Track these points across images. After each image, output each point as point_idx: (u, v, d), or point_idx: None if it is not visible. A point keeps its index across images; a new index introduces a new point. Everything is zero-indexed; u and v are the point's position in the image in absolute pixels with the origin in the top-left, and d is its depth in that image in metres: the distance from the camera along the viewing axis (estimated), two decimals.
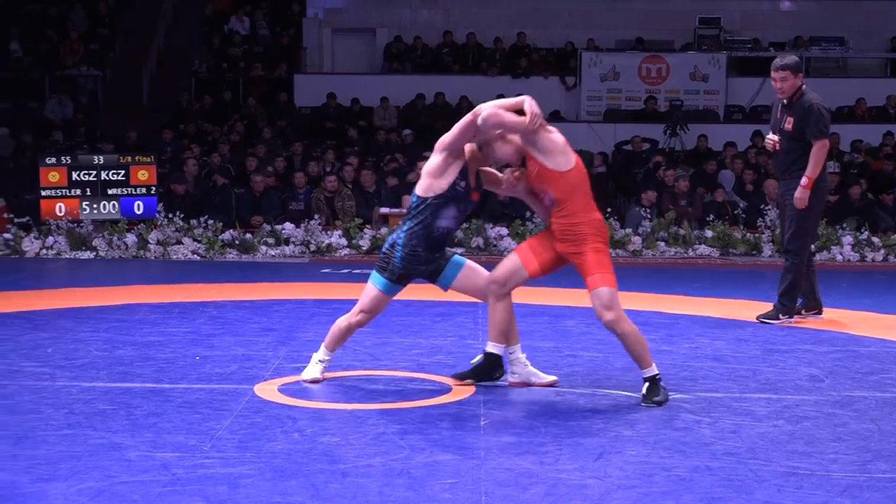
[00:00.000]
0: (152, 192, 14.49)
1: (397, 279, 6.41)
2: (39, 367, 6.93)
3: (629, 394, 6.43)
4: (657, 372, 6.28)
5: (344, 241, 13.95)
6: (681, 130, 20.11)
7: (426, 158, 16.26)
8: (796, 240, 8.92)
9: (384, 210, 14.78)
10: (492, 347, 6.51)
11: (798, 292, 9.04)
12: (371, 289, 6.46)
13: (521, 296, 9.48)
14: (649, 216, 14.48)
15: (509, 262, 6.47)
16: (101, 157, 14.70)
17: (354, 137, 19.95)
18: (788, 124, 8.91)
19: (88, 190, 14.32)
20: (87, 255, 13.66)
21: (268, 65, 22.61)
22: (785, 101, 8.99)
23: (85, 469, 4.82)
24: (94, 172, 14.34)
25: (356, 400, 6.19)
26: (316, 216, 14.49)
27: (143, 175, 14.46)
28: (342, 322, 6.56)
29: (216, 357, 7.32)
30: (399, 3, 24.41)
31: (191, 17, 24.19)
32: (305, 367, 6.69)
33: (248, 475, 4.76)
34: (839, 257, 13.85)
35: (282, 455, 5.08)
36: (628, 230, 14.32)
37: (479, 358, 6.58)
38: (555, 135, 6.29)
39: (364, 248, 13.79)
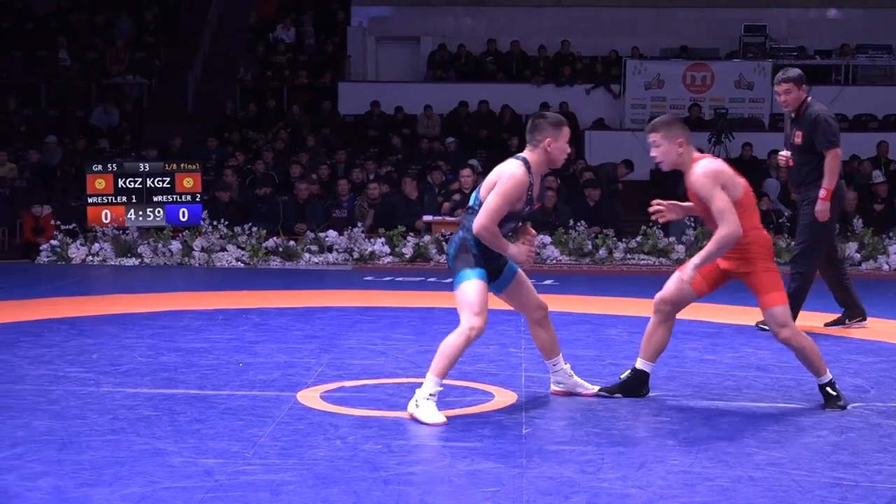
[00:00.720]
0: (197, 199, 14.57)
1: (483, 264, 6.08)
2: (84, 373, 6.98)
3: (672, 402, 6.40)
4: (831, 377, 6.37)
5: (387, 249, 13.97)
6: (725, 139, 20.00)
7: (471, 167, 16.22)
8: (807, 251, 8.85)
9: (427, 217, 14.79)
10: (642, 365, 6.49)
11: (802, 301, 8.91)
12: (467, 286, 6.00)
13: (565, 304, 9.51)
14: (693, 225, 14.41)
15: (677, 283, 6.36)
16: (147, 165, 14.83)
17: (398, 145, 19.99)
18: (798, 138, 8.87)
19: (134, 197, 14.43)
20: (132, 261, 13.77)
21: (312, 73, 22.71)
22: (793, 114, 8.95)
23: (128, 474, 4.85)
24: (140, 180, 14.45)
25: (398, 407, 6.18)
26: (359, 224, 14.53)
27: (188, 182, 14.55)
28: (450, 342, 5.99)
29: (259, 364, 7.35)
30: (443, 11, 24.44)
31: (236, 25, 24.34)
32: (417, 409, 5.94)
33: (290, 482, 4.77)
34: (885, 267, 13.73)
35: (324, 462, 5.08)
36: (672, 239, 14.26)
37: (627, 373, 6.54)
38: (729, 185, 6.22)
39: (407, 256, 13.81)
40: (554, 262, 13.80)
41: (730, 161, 19.35)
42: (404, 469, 4.99)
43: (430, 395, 5.90)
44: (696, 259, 6.17)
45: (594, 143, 20.29)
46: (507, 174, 6.00)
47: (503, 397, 6.45)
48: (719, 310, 9.87)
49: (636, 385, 6.50)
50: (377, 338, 8.44)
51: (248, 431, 5.60)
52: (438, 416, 5.84)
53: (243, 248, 13.84)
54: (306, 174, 16.89)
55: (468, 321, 5.94)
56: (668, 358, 7.42)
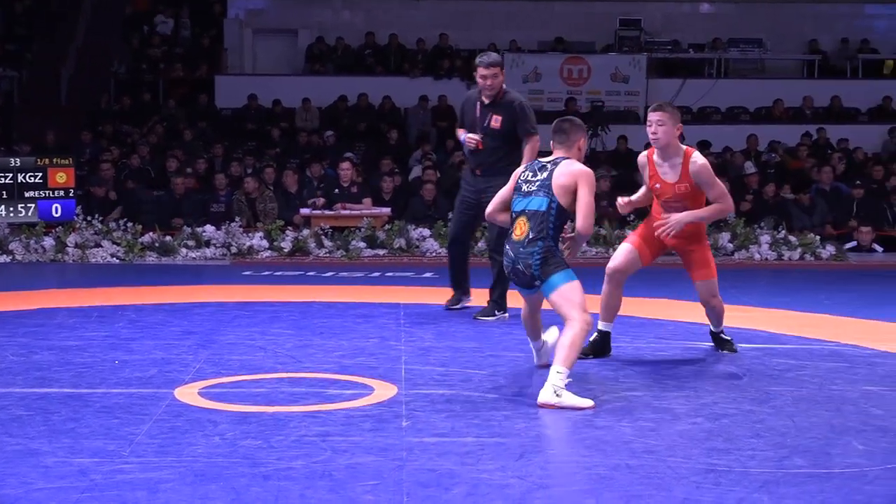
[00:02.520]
0: (70, 194, 14.31)
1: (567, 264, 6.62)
2: None
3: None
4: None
5: (265, 244, 13.87)
6: (601, 131, 20.26)
7: (349, 160, 16.21)
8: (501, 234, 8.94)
9: (305, 211, 14.72)
10: (604, 326, 7.50)
11: (507, 285, 9.01)
12: (570, 287, 6.42)
13: (441, 297, 9.52)
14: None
15: (626, 252, 7.48)
16: (18, 160, 14.50)
17: (276, 139, 19.87)
18: (496, 122, 9.00)
19: (4, 193, 14.11)
20: (3, 258, 13.47)
21: (188, 66, 22.45)
22: (486, 99, 9.08)
23: (1, 476, 4.75)
24: (11, 175, 14.14)
25: (277, 402, 6.16)
26: (237, 218, 14.41)
27: (61, 178, 14.28)
28: (572, 334, 6.27)
29: (135, 361, 7.24)
30: (321, 4, 24.35)
31: (110, 17, 23.94)
32: (559, 399, 6.10)
33: (167, 480, 4.72)
34: (757, 256, 14.01)
35: (202, 459, 5.04)
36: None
37: (595, 335, 7.38)
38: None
39: (286, 250, 13.73)
40: (433, 254, 13.82)
41: (605, 154, 19.70)
42: (284, 464, 4.97)
43: (565, 385, 6.13)
44: (686, 216, 7.20)
45: None
46: (586, 172, 6.66)
47: (383, 391, 6.45)
48: (594, 300, 9.99)
49: (602, 345, 7.51)
50: (256, 333, 8.38)
51: (125, 429, 5.53)
52: (586, 401, 6.11)
53: (118, 244, 13.63)
54: (183, 169, 16.70)
55: (582, 317, 6.32)
56: None
